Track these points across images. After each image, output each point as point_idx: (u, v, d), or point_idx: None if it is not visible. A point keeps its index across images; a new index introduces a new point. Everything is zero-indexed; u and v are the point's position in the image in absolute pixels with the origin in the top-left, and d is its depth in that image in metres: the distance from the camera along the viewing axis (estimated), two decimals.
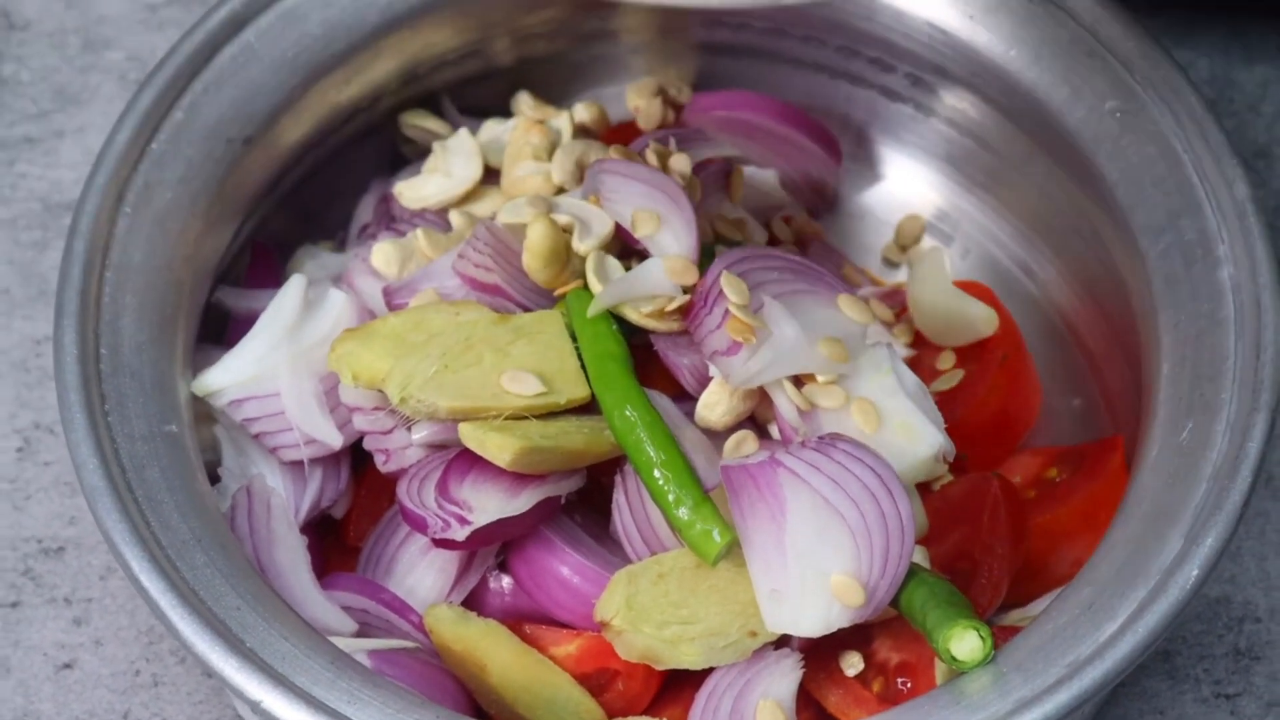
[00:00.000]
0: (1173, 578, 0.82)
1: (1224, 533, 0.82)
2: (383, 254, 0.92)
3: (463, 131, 0.97)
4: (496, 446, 0.84)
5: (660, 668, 0.85)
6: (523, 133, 0.95)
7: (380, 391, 0.87)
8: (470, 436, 0.85)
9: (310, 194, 0.99)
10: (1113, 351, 0.95)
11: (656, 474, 0.85)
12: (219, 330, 0.95)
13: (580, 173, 0.93)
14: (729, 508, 0.84)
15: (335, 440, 0.90)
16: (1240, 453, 0.84)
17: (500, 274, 0.90)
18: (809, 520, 0.82)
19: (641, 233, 0.89)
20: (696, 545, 0.84)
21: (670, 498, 0.84)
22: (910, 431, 0.87)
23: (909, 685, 0.85)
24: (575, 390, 0.87)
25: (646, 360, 0.89)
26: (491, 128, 0.97)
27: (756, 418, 0.89)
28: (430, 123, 0.99)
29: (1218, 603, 0.95)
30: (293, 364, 0.90)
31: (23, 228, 1.04)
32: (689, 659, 0.84)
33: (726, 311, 0.86)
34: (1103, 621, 0.81)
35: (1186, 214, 0.90)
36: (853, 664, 0.86)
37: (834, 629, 0.83)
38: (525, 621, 0.88)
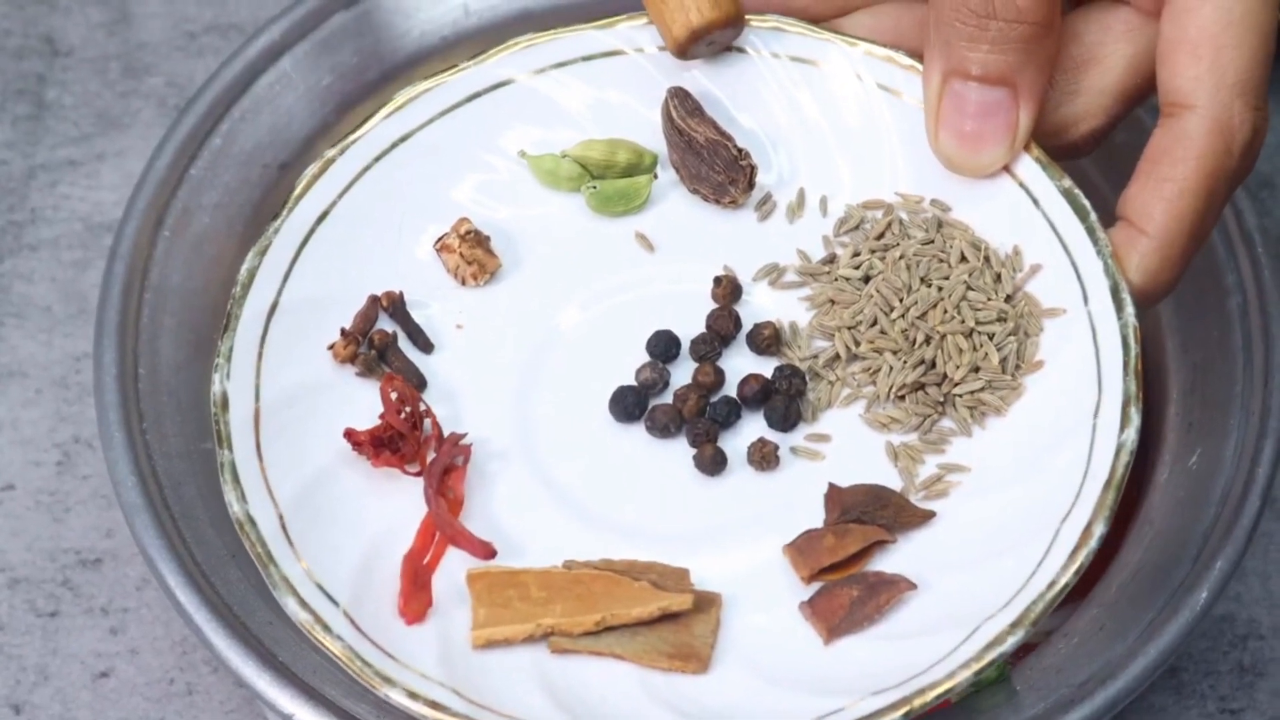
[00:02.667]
0: (1183, 600, 0.81)
1: (1234, 556, 0.82)
2: None
3: None
4: None
5: None
6: None
7: None
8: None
9: None
10: None
11: None
12: None
13: None
14: None
15: None
16: (1249, 477, 0.83)
17: None
18: None
19: None
20: None
21: None
22: None
23: None
24: None
25: None
26: None
27: None
28: None
29: (1223, 620, 0.93)
30: None
31: (64, 247, 1.03)
32: None
33: None
34: (1114, 642, 0.81)
35: None
36: None
37: None
38: None
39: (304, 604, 0.77)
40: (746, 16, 0.85)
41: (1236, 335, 0.87)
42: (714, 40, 0.84)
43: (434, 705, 0.75)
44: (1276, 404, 0.84)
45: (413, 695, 0.75)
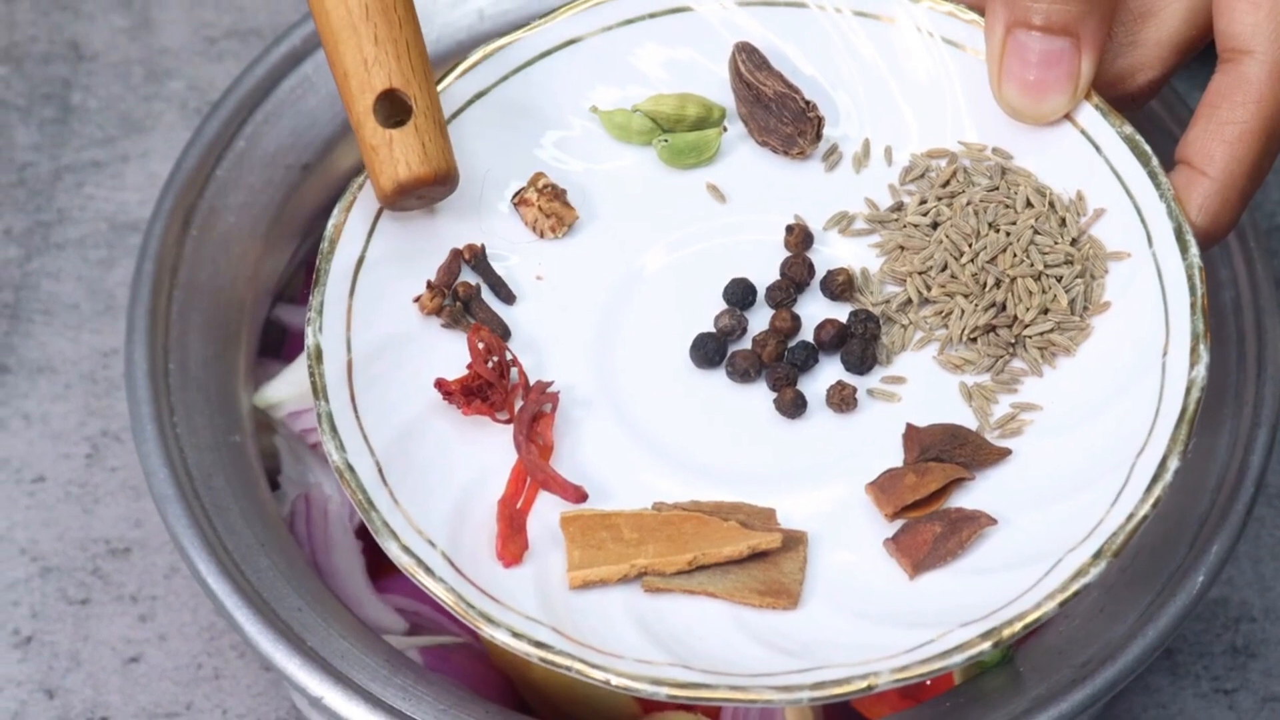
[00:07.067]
0: (1180, 584, 0.81)
1: (1228, 542, 0.82)
2: None
3: None
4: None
5: None
6: None
7: None
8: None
9: None
10: None
11: None
12: (278, 345, 0.95)
13: None
14: None
15: None
16: (1243, 466, 0.83)
17: None
18: None
19: None
20: None
21: None
22: None
23: (929, 681, 0.85)
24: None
25: None
26: None
27: None
28: None
29: (1216, 603, 0.94)
30: None
31: (90, 246, 1.04)
32: None
33: None
34: (1113, 624, 0.81)
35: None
36: None
37: None
38: None
39: (406, 548, 0.76)
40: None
41: (1230, 328, 0.87)
42: (424, 195, 0.82)
43: (539, 645, 0.74)
44: (1269, 395, 0.85)
45: (517, 635, 0.75)
